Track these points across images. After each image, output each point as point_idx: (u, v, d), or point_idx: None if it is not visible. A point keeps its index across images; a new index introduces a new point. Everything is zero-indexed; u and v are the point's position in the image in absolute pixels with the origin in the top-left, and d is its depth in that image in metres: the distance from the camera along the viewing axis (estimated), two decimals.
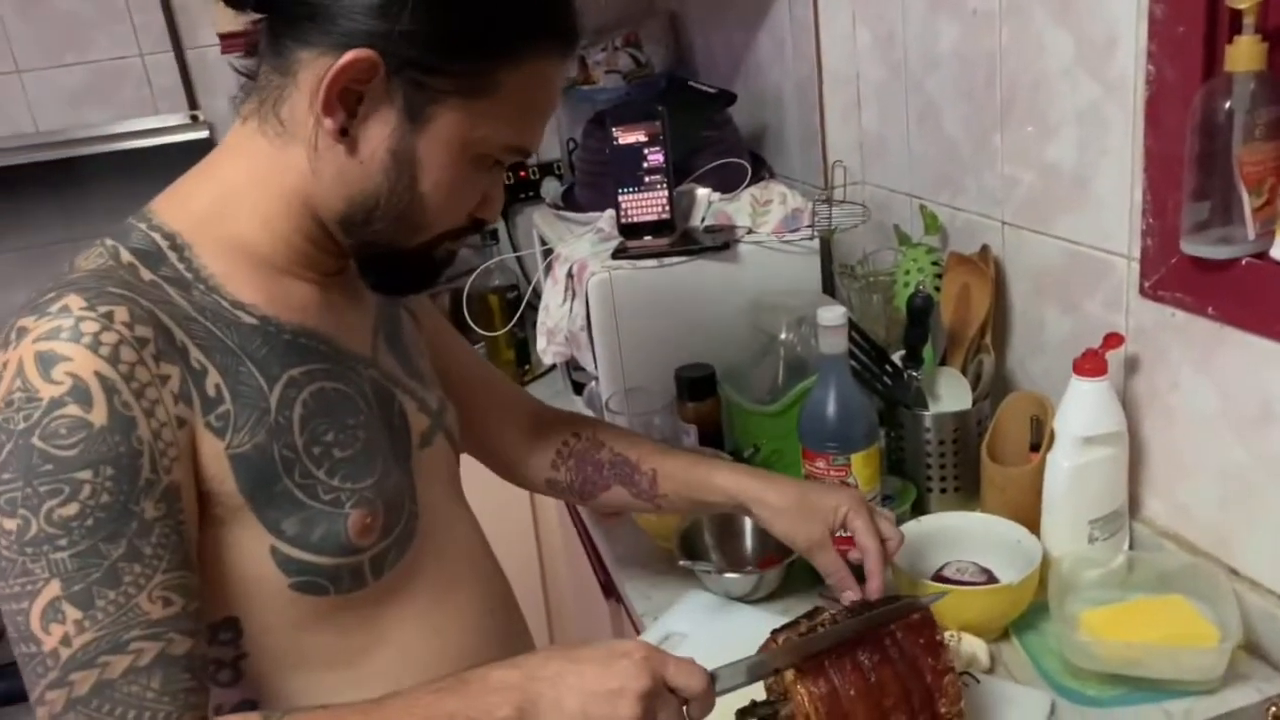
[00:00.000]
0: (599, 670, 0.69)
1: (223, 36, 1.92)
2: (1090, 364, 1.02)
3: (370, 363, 0.83)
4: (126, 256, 0.71)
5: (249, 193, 0.75)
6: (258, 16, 0.73)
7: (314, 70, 0.70)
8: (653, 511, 1.08)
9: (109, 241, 0.73)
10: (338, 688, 0.76)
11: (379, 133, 0.71)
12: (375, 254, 0.77)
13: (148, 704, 0.63)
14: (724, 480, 1.00)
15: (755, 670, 0.80)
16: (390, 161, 0.72)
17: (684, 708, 0.71)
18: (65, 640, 0.62)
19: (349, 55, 0.67)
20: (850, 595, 0.94)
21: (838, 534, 0.97)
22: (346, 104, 0.70)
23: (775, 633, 0.87)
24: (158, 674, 0.64)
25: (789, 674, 0.81)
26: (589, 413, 1.55)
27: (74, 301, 0.65)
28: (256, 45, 0.75)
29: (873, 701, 0.81)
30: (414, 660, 0.80)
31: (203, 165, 0.78)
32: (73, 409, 0.63)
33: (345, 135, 0.71)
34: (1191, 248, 0.93)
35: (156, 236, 0.73)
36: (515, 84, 0.72)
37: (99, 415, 0.63)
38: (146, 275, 0.71)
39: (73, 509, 0.63)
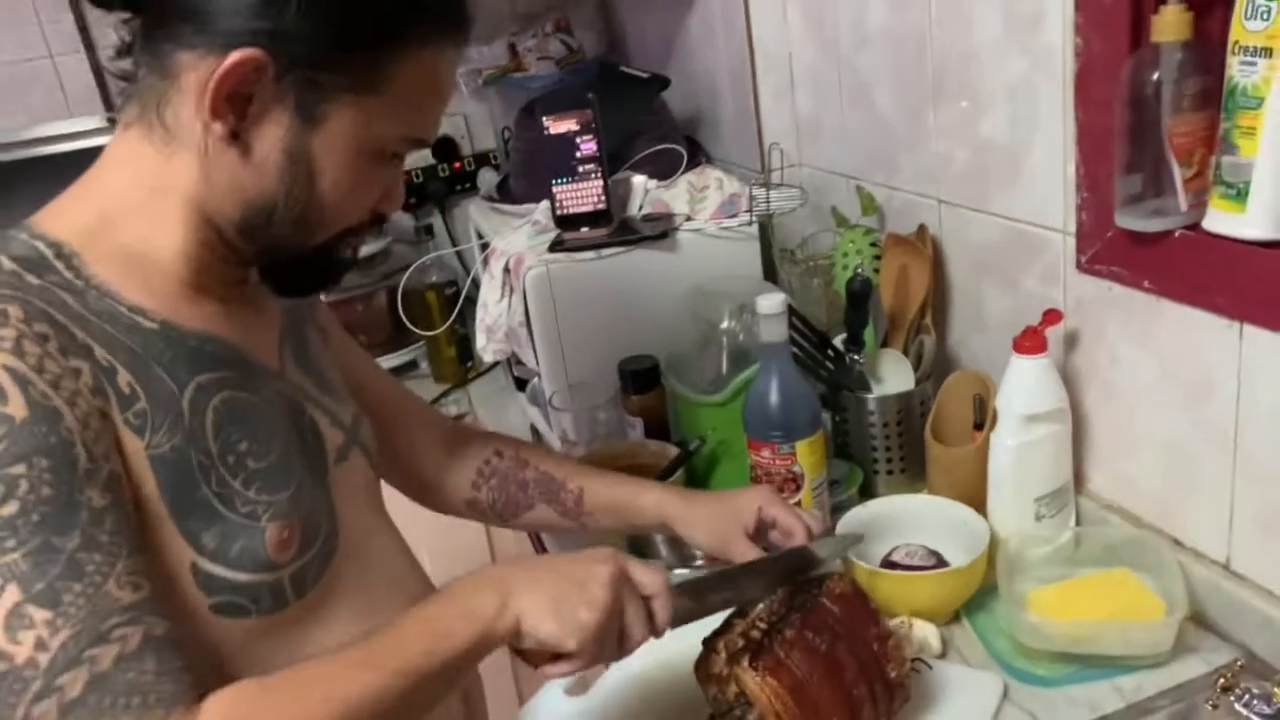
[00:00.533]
0: (569, 559, 0.75)
1: None
2: (1030, 341, 1.01)
3: (278, 375, 0.79)
4: (7, 264, 0.66)
5: (138, 203, 0.71)
6: (127, 15, 0.69)
7: (197, 72, 0.66)
8: (578, 531, 1.06)
9: None
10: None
11: (272, 134, 0.68)
12: (277, 258, 0.74)
13: (150, 687, 0.60)
14: (648, 500, 1.01)
15: (701, 587, 0.83)
16: (285, 163, 0.69)
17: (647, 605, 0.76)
18: (40, 644, 0.58)
19: (234, 56, 0.64)
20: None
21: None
22: (235, 106, 0.66)
23: (708, 641, 0.86)
24: (150, 656, 0.61)
25: (746, 674, 0.79)
26: (534, 410, 1.53)
27: None
28: (130, 46, 0.71)
29: (835, 681, 0.80)
30: None
31: (83, 181, 0.73)
32: None
33: (236, 139, 0.67)
34: (1125, 221, 0.92)
35: (40, 245, 0.68)
36: (408, 76, 0.69)
37: (16, 408, 0.59)
38: (33, 280, 0.65)
39: (13, 507, 0.58)
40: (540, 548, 1.32)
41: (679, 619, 0.79)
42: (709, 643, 0.85)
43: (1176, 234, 0.89)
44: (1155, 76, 0.86)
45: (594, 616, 0.71)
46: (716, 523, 0.97)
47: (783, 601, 0.84)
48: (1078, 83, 0.96)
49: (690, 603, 0.80)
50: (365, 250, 1.87)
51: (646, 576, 0.76)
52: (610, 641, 0.74)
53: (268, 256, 0.74)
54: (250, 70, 0.65)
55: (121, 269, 0.69)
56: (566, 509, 1.03)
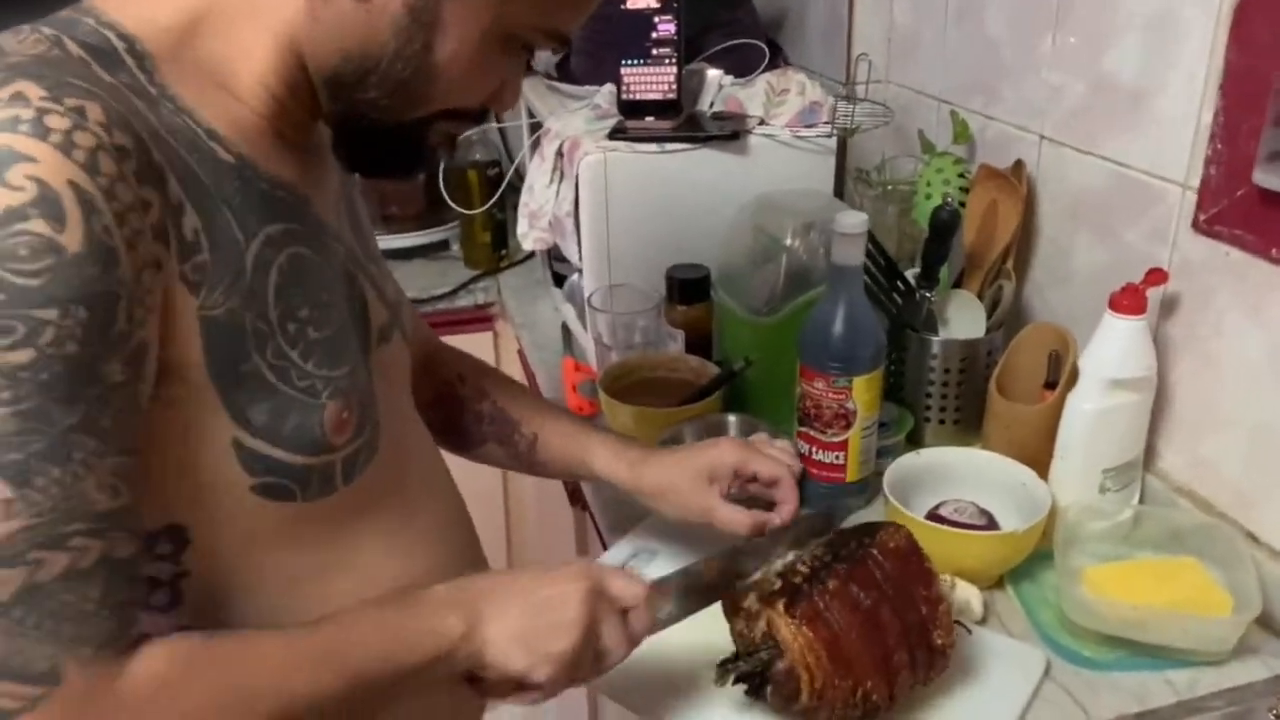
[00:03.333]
0: (539, 579, 0.69)
1: None
2: (1129, 300, 0.92)
3: (338, 235, 0.71)
4: (75, 49, 0.56)
5: (232, 18, 0.62)
6: None
7: None
8: (528, 474, 1.00)
9: (46, 30, 0.57)
10: (290, 613, 0.65)
11: None
12: (359, 126, 0.65)
13: (87, 617, 0.51)
14: (599, 464, 0.93)
15: (691, 588, 0.76)
16: (406, 19, 0.60)
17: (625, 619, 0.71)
18: None
19: None
20: (777, 518, 0.89)
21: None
22: None
23: (708, 560, 0.80)
24: (98, 580, 0.52)
25: (781, 619, 0.73)
26: (568, 309, 1.45)
27: (30, 89, 0.50)
28: None
29: (875, 642, 0.74)
30: (374, 585, 0.70)
31: None
32: (39, 225, 0.49)
33: None
34: (1266, 179, 0.83)
35: (110, 35, 0.58)
36: None
37: (73, 238, 0.49)
38: (105, 77, 0.56)
39: (25, 355, 0.49)
40: (575, 491, 1.25)
41: (664, 624, 0.75)
42: (707, 561, 0.79)
43: None
44: None
45: (566, 644, 0.67)
46: (686, 493, 0.89)
47: (827, 547, 0.78)
48: (1236, 18, 0.85)
49: (675, 608, 0.75)
50: None
51: (623, 589, 0.71)
52: (585, 665, 0.69)
53: (348, 124, 0.66)
54: None
55: (198, 85, 0.60)
56: (518, 453, 0.96)
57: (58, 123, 0.50)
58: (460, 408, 0.96)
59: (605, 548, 1.04)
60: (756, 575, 0.78)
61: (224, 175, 0.60)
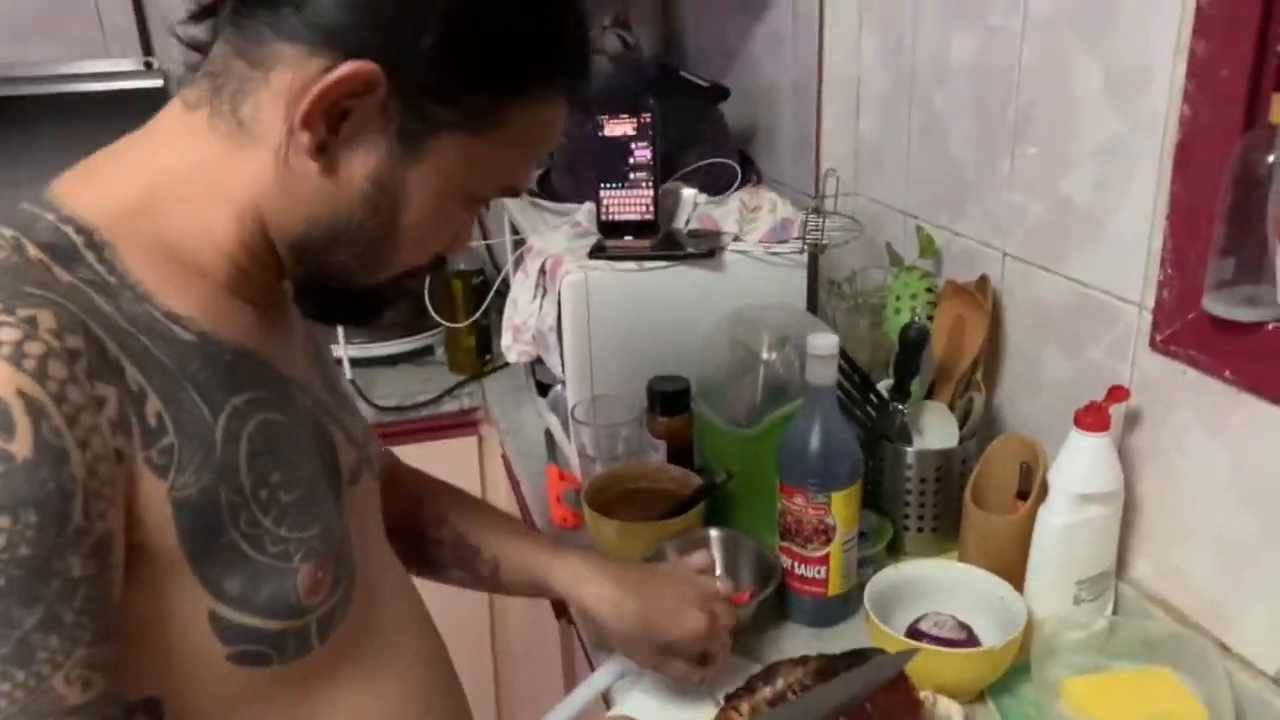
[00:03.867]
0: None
1: None
2: (1093, 418, 0.96)
3: (304, 389, 0.72)
4: (33, 251, 0.58)
5: (188, 192, 0.63)
6: None
7: (296, 71, 0.59)
8: (496, 594, 1.02)
9: (6, 231, 0.59)
10: None
11: (363, 157, 0.62)
12: (324, 286, 0.68)
13: None
14: (561, 585, 0.93)
15: None
16: (371, 190, 0.63)
17: None
18: None
19: (350, 67, 0.58)
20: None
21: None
22: (330, 118, 0.60)
23: (731, 699, 0.81)
24: None
25: None
26: (552, 418, 1.48)
27: None
28: (212, 9, 0.64)
29: None
30: None
31: (127, 146, 0.65)
32: None
33: (321, 153, 0.61)
34: (1214, 306, 0.87)
35: (69, 231, 0.60)
36: (521, 123, 0.64)
37: (22, 446, 0.51)
38: (63, 276, 0.58)
39: None
40: (559, 604, 1.25)
41: None
42: (731, 699, 0.80)
43: (1270, 326, 0.84)
44: (1270, 159, 0.81)
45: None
46: (643, 644, 0.90)
47: (816, 675, 0.79)
48: (1178, 154, 0.91)
49: None
50: None
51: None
52: None
53: (313, 284, 0.68)
54: (360, 85, 0.59)
55: (157, 265, 0.62)
56: (481, 577, 0.96)
57: (9, 335, 0.52)
58: (422, 534, 0.96)
59: (591, 666, 1.05)
60: (744, 702, 0.80)
61: (186, 355, 0.61)
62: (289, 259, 0.66)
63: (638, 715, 0.94)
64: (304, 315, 0.73)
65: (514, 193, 0.71)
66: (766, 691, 0.79)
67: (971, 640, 0.97)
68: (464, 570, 0.96)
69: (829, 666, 0.82)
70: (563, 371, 1.33)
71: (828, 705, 0.76)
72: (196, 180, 0.63)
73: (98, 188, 0.63)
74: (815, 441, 1.02)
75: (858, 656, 0.84)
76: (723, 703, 0.82)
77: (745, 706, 0.78)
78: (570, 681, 1.21)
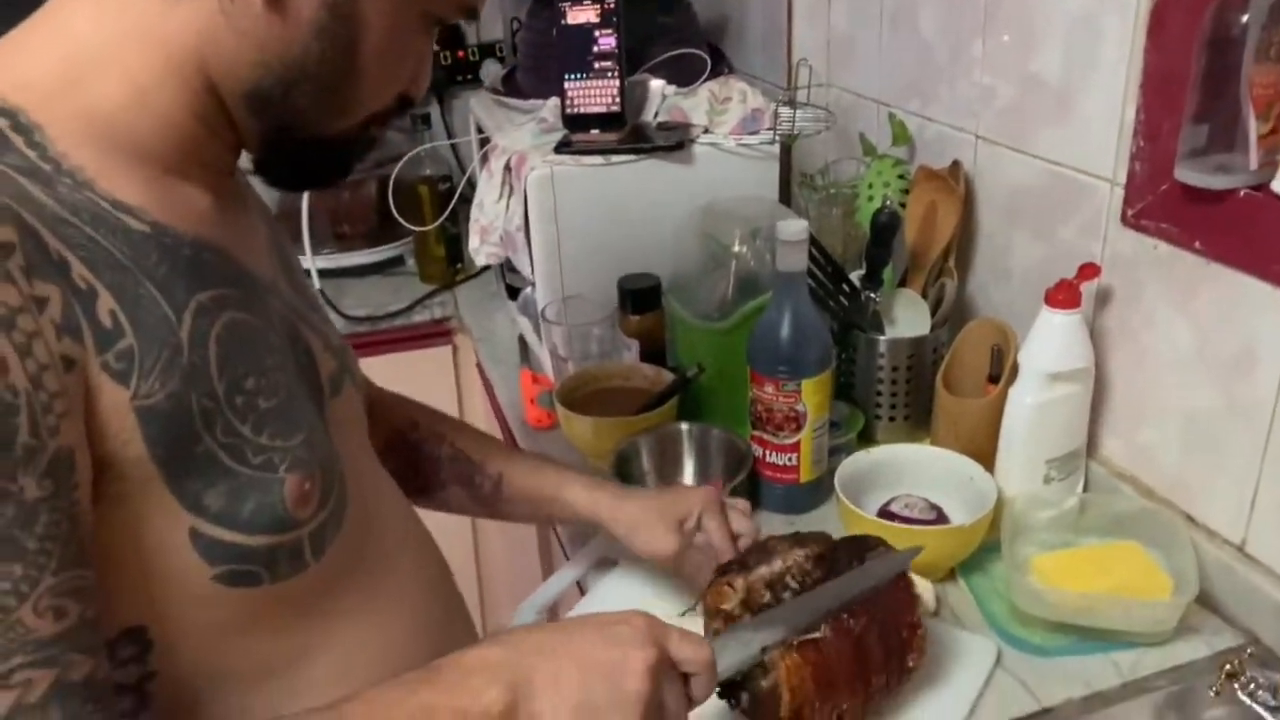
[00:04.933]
0: (597, 638, 0.60)
1: None
2: (1063, 295, 0.95)
3: (273, 289, 0.66)
4: None
5: (117, 53, 0.56)
6: None
7: None
8: (493, 518, 0.97)
9: None
10: (268, 704, 0.62)
11: None
12: (287, 141, 0.61)
13: None
14: (575, 496, 0.90)
15: (756, 646, 0.71)
16: (327, 19, 0.57)
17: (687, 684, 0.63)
18: None
19: None
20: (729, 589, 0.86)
21: None
22: None
23: (724, 571, 0.81)
24: (54, 710, 0.48)
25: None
26: (524, 321, 1.46)
27: None
28: None
29: (860, 668, 0.75)
30: (357, 660, 0.67)
31: (44, 13, 0.58)
32: None
33: None
34: (1186, 175, 0.85)
35: None
36: None
37: None
38: None
39: None
40: (510, 442, 1.25)
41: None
42: (725, 572, 0.79)
43: (1241, 193, 0.83)
44: (1244, 19, 0.79)
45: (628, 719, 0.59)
46: (658, 531, 0.86)
47: (817, 562, 0.79)
48: (1152, 20, 0.88)
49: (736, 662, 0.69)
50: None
51: (689, 652, 0.62)
52: None
53: (274, 140, 0.61)
54: None
55: (97, 148, 0.55)
56: (482, 495, 0.92)
57: None
58: (415, 452, 0.92)
59: (566, 556, 1.05)
60: (739, 578, 0.78)
61: (140, 247, 0.55)
62: (244, 115, 0.60)
63: (611, 602, 0.95)
64: (271, 184, 0.67)
65: (473, 13, 0.65)
66: (763, 571, 0.77)
67: (942, 520, 0.98)
68: (464, 487, 0.92)
69: (829, 553, 0.80)
70: (532, 272, 1.31)
71: (834, 604, 0.74)
72: (126, 39, 0.56)
73: (17, 66, 0.56)
74: (785, 329, 1.02)
75: (858, 545, 0.82)
76: (715, 574, 0.81)
77: (740, 582, 0.77)
78: (548, 573, 1.22)
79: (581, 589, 1.00)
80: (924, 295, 1.17)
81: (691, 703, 0.63)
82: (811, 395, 1.02)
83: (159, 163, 0.58)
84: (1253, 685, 0.80)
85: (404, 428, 0.93)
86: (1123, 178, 0.95)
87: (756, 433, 1.07)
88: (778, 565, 0.78)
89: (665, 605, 0.93)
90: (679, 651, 0.62)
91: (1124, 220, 0.95)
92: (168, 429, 0.54)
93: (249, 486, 0.57)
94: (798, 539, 0.81)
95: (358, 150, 0.66)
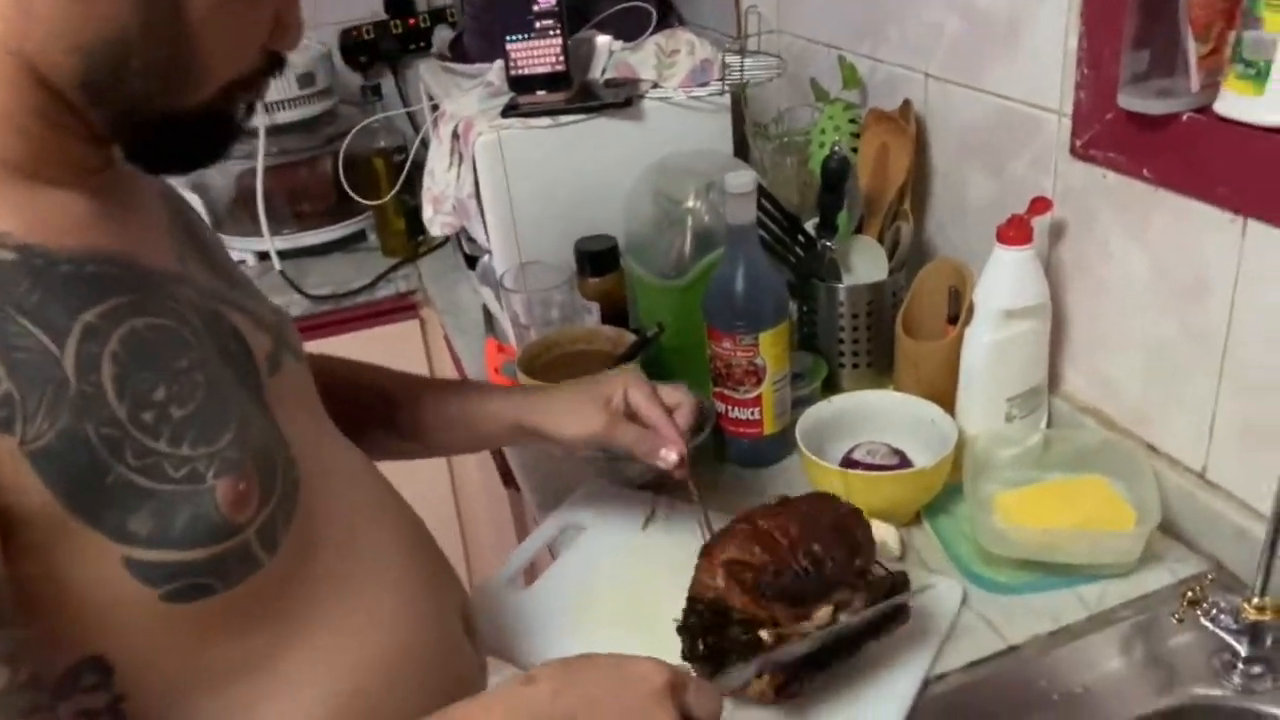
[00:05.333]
0: (621, 705, 0.59)
1: None
2: (1015, 231, 0.94)
3: (179, 278, 0.62)
4: None
5: None
6: None
7: None
8: (419, 455, 0.94)
9: None
10: (248, 701, 0.60)
11: None
12: (140, 125, 0.56)
13: None
14: (497, 406, 0.89)
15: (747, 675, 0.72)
16: None
17: None
18: None
19: None
20: (668, 451, 0.85)
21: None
22: None
23: (710, 548, 0.80)
24: None
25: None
26: (486, 290, 1.44)
27: None
28: None
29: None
30: (340, 641, 0.64)
31: None
32: None
33: None
34: (1128, 101, 0.84)
35: None
36: None
37: None
38: None
39: None
40: (506, 472, 1.24)
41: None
42: (710, 549, 0.80)
43: (1184, 117, 0.81)
44: None
45: None
46: (584, 414, 0.86)
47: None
48: None
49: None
50: (308, 112, 1.74)
51: (705, 711, 0.62)
52: None
53: (126, 126, 0.57)
54: None
55: None
56: (404, 431, 0.89)
57: None
58: (332, 396, 0.86)
59: (536, 522, 1.05)
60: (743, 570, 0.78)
61: (7, 278, 0.50)
62: (86, 106, 0.55)
63: (576, 565, 0.95)
64: (148, 170, 0.63)
65: None
66: (741, 539, 0.79)
67: (905, 465, 0.98)
68: (385, 428, 0.89)
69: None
70: (488, 240, 1.30)
71: (843, 631, 0.76)
72: None
73: None
74: (739, 283, 1.00)
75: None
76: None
77: (723, 557, 0.78)
78: (522, 536, 1.22)
79: (552, 554, 1.00)
80: (880, 240, 1.15)
81: None
82: (770, 348, 1.02)
83: (17, 172, 0.54)
84: (1215, 610, 0.80)
85: (321, 377, 0.88)
86: (1069, 109, 0.93)
87: (718, 389, 1.06)
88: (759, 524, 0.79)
89: (632, 566, 0.93)
90: (695, 709, 0.61)
91: (1073, 151, 0.94)
92: (67, 468, 0.50)
93: (176, 502, 0.54)
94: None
95: (231, 122, 0.61)
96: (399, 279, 1.72)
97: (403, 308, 1.74)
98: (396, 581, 0.69)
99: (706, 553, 0.80)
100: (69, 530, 0.51)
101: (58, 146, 0.55)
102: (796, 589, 0.76)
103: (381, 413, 0.89)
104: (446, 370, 1.76)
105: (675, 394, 0.89)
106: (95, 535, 0.51)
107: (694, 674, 0.70)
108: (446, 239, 1.72)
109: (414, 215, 1.73)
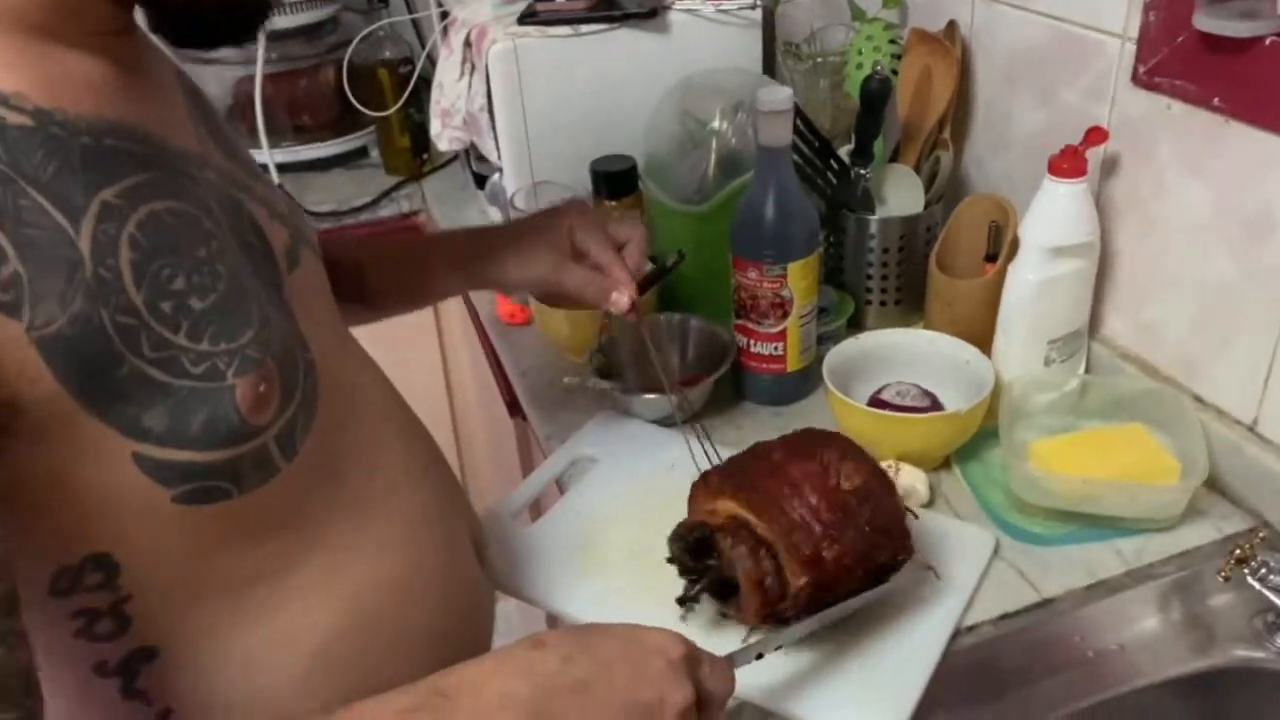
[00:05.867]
0: (634, 677, 0.55)
1: None
2: (1068, 163, 0.88)
3: (203, 161, 0.57)
4: None
5: None
6: None
7: None
8: (367, 319, 0.87)
9: None
10: (256, 611, 0.57)
11: None
12: None
13: None
14: (439, 256, 0.85)
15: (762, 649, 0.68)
16: None
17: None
18: None
19: None
20: (619, 295, 0.81)
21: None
22: None
23: (706, 475, 0.77)
24: None
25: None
26: (494, 211, 1.38)
27: None
28: None
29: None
30: (349, 560, 0.61)
31: None
32: None
33: None
34: (1206, 23, 0.77)
35: None
36: None
37: None
38: None
39: None
40: (512, 403, 1.19)
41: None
42: (705, 477, 0.77)
43: (1267, 42, 0.75)
44: None
45: None
46: (530, 254, 0.81)
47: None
48: None
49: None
50: (311, 17, 1.66)
51: (718, 685, 0.59)
52: None
53: None
54: None
55: None
56: (371, 299, 0.85)
57: None
58: None
59: (544, 455, 1.01)
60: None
61: (19, 147, 0.46)
62: None
63: (589, 502, 0.91)
64: (172, 42, 0.57)
65: None
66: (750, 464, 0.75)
67: (936, 407, 0.93)
68: (359, 302, 0.84)
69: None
70: (498, 157, 1.23)
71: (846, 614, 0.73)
72: None
73: None
74: (769, 209, 0.94)
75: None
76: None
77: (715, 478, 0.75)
78: (527, 471, 1.18)
79: (560, 488, 0.95)
80: (917, 170, 1.09)
81: None
82: (798, 279, 0.96)
83: (33, 29, 0.48)
84: (1263, 570, 0.76)
85: None
86: (1134, 32, 0.86)
87: (740, 321, 1.01)
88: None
89: (644, 505, 0.89)
90: (709, 683, 0.58)
91: (1135, 79, 0.87)
92: (79, 357, 0.46)
93: (193, 400, 0.50)
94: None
95: None
96: (402, 198, 1.65)
97: (405, 229, 1.67)
98: (411, 501, 0.66)
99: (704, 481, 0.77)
100: (77, 424, 0.47)
101: (80, 3, 0.50)
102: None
103: (356, 285, 0.83)
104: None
105: (625, 227, 0.84)
106: (105, 429, 0.48)
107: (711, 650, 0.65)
108: (453, 158, 1.65)
109: (419, 132, 1.66)
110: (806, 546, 0.70)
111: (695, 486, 0.78)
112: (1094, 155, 0.91)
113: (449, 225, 1.54)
